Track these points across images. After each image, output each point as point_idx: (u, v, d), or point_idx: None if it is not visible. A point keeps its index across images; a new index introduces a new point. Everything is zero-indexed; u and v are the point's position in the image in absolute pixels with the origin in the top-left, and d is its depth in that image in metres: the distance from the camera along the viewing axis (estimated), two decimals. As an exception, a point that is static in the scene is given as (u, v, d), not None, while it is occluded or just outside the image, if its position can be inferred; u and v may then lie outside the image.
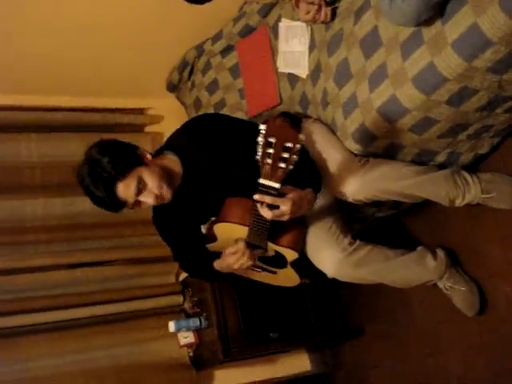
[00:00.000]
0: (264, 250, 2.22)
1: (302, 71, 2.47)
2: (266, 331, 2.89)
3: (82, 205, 3.04)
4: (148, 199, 2.03)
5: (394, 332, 2.89)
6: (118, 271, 3.11)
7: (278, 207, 1.83)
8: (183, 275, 3.25)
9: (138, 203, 2.06)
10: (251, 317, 2.90)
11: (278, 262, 2.30)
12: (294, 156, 1.55)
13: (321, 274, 2.26)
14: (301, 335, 2.99)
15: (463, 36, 1.71)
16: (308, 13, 2.26)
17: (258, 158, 1.58)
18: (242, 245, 2.17)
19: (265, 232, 2.04)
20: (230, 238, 2.24)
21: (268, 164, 1.59)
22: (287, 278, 2.43)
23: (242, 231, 2.14)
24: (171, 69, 3.27)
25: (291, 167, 1.59)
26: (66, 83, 3.18)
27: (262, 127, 1.52)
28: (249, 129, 2.31)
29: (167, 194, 2.07)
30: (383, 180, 2.13)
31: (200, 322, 2.93)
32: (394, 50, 1.95)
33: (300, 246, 2.22)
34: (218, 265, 2.31)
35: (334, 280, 2.28)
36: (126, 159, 2.02)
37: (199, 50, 3.07)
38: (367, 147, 2.16)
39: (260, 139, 1.54)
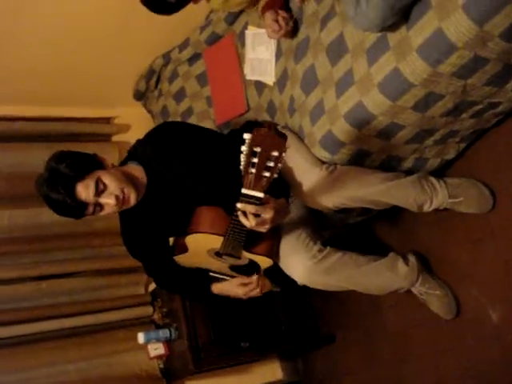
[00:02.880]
0: (237, 258, 2.21)
1: (269, 78, 2.46)
2: (236, 340, 2.86)
3: (49, 215, 2.96)
4: (109, 200, 2.00)
5: (366, 338, 2.89)
6: (86, 283, 3.06)
7: (259, 216, 1.83)
8: (152, 286, 3.20)
9: (99, 207, 2.02)
10: (222, 326, 2.88)
11: (250, 270, 2.29)
12: (279, 165, 1.54)
13: (292, 282, 2.26)
14: (272, 344, 2.97)
15: (428, 41, 1.72)
16: (274, 31, 2.24)
17: (241, 167, 1.56)
18: (255, 277, 2.28)
19: (241, 241, 2.04)
20: (202, 249, 2.23)
21: (251, 173, 1.57)
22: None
23: (215, 241, 2.13)
24: (138, 77, 3.23)
25: (276, 176, 1.58)
26: (30, 92, 3.12)
27: (247, 136, 1.49)
28: (212, 137, 2.31)
29: (131, 196, 2.04)
30: (351, 187, 2.13)
31: (170, 332, 2.89)
32: (359, 56, 1.95)
33: (274, 254, 2.22)
34: (219, 289, 2.32)
35: (304, 288, 2.28)
36: (85, 163, 2.01)
37: (166, 58, 3.04)
38: (335, 154, 2.15)
39: (244, 148, 1.51)
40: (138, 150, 2.19)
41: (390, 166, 2.25)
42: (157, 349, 2.92)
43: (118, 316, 3.04)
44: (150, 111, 3.30)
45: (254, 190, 1.65)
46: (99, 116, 3.37)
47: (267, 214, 1.85)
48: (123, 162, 2.22)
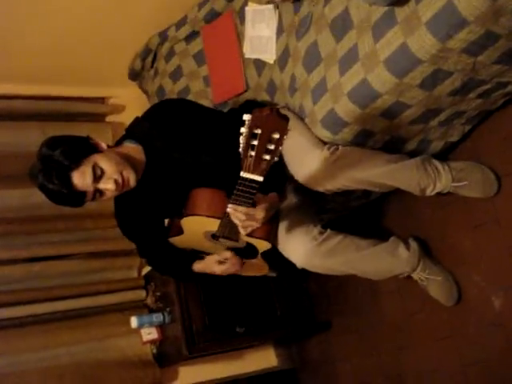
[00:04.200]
0: (235, 241, 2.16)
1: (270, 56, 2.39)
2: (231, 326, 2.81)
3: (41, 196, 2.90)
4: (108, 185, 1.93)
5: (363, 325, 2.84)
6: (79, 265, 3.00)
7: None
8: (146, 269, 3.14)
9: (99, 193, 1.96)
10: (216, 311, 2.82)
11: (248, 252, 2.24)
12: (280, 148, 1.48)
13: (289, 267, 2.21)
14: (267, 329, 2.91)
15: (438, 15, 1.65)
16: None
17: (240, 150, 1.50)
18: (229, 254, 2.21)
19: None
20: (198, 231, 2.17)
21: (251, 156, 1.51)
22: (256, 268, 2.39)
23: (212, 224, 2.08)
24: (133, 56, 3.15)
25: (276, 159, 1.52)
26: (24, 70, 3.04)
27: (247, 117, 1.43)
28: (214, 115, 2.25)
29: (130, 178, 1.98)
30: (353, 168, 2.07)
31: (163, 317, 2.84)
32: (365, 31, 1.88)
33: (272, 237, 2.16)
34: (199, 269, 2.26)
35: (300, 273, 2.23)
36: (79, 148, 1.93)
37: (162, 36, 2.96)
38: (337, 134, 2.09)
39: (244, 130, 1.45)
40: (137, 128, 2.12)
41: (393, 147, 2.19)
42: (150, 333, 2.87)
43: (111, 299, 2.98)
44: (145, 91, 3.23)
45: (253, 173, 1.59)
46: (94, 96, 3.29)
47: (258, 215, 1.88)
48: (119, 141, 2.15)
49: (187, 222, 2.13)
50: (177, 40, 2.88)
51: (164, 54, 2.98)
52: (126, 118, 3.18)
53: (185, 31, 2.82)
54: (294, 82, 2.23)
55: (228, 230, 2.08)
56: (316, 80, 2.11)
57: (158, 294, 2.93)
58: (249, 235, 2.06)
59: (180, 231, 2.21)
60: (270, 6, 2.34)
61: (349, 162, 2.06)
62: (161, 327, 2.89)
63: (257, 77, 2.51)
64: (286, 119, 1.45)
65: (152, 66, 3.11)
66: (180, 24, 2.84)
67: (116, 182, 1.94)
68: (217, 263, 2.23)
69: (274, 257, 2.28)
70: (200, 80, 2.79)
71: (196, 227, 2.15)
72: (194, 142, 2.05)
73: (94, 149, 1.97)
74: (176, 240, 2.27)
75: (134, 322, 2.81)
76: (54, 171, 1.86)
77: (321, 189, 2.12)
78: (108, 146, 2.04)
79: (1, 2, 2.65)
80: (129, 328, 2.87)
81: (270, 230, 2.13)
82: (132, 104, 3.34)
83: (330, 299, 3.05)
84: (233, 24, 2.58)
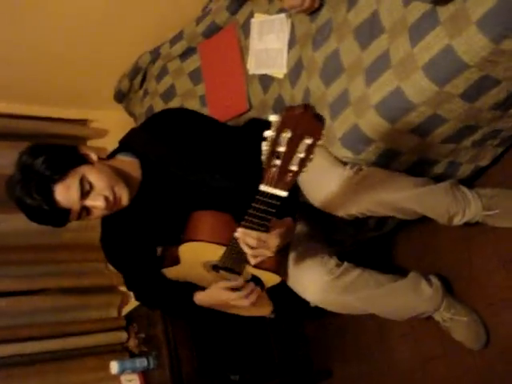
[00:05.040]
0: (238, 274, 1.89)
1: (279, 70, 2.17)
2: (225, 373, 2.50)
3: (12, 223, 2.63)
4: (97, 202, 1.66)
5: (369, 373, 2.56)
6: (51, 302, 2.66)
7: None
8: (127, 309, 2.83)
9: (86, 211, 1.69)
10: (208, 355, 2.51)
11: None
12: (311, 156, 1.23)
13: (289, 307, 1.97)
14: (264, 378, 2.60)
15: (491, 12, 1.45)
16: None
17: (263, 158, 1.24)
18: (242, 281, 1.91)
19: (245, 255, 1.69)
20: (197, 261, 1.90)
21: (275, 166, 1.25)
22: (257, 306, 2.08)
23: (214, 252, 1.81)
24: (120, 76, 2.91)
25: (304, 170, 1.26)
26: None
27: (274, 118, 1.19)
28: (220, 128, 2.00)
29: (122, 195, 1.71)
30: (379, 191, 1.83)
31: (148, 362, 2.52)
32: (399, 35, 1.68)
33: (283, 270, 1.90)
34: (201, 300, 1.97)
35: (297, 315, 1.98)
36: (65, 158, 1.67)
37: (154, 54, 2.73)
38: (359, 154, 1.87)
39: (270, 133, 1.20)
40: (133, 139, 1.86)
41: (419, 170, 1.97)
42: (131, 380, 2.54)
43: (87, 342, 2.64)
44: (131, 114, 2.98)
45: (276, 187, 1.33)
46: (75, 117, 3.03)
47: (272, 242, 1.61)
48: (112, 154, 1.88)
49: (185, 250, 1.86)
50: (170, 57, 2.66)
51: (155, 73, 2.75)
52: (109, 142, 2.96)
53: (180, 48, 2.60)
54: (307, 97, 2.02)
55: (233, 259, 1.81)
56: (336, 93, 1.90)
57: (142, 335, 2.61)
58: (256, 266, 1.80)
59: (176, 261, 1.93)
60: (282, 16, 2.14)
61: (374, 184, 1.83)
62: (143, 374, 2.56)
63: (262, 94, 2.28)
64: (321, 120, 1.21)
65: (141, 87, 2.87)
66: (175, 40, 2.62)
67: (106, 199, 1.67)
68: (226, 290, 1.92)
69: (280, 294, 2.01)
70: (196, 99, 2.56)
71: (195, 256, 1.88)
72: (198, 158, 1.80)
73: (83, 159, 1.70)
74: (170, 271, 1.99)
75: (114, 367, 2.47)
76: (33, 183, 1.59)
77: (342, 213, 1.88)
78: (99, 158, 1.77)
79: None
80: (107, 374, 2.53)
81: (279, 261, 1.88)
82: (116, 128, 3.05)
83: (329, 344, 2.77)
84: (236, 38, 2.37)
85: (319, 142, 1.22)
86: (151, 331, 2.54)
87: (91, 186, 1.66)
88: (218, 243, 1.78)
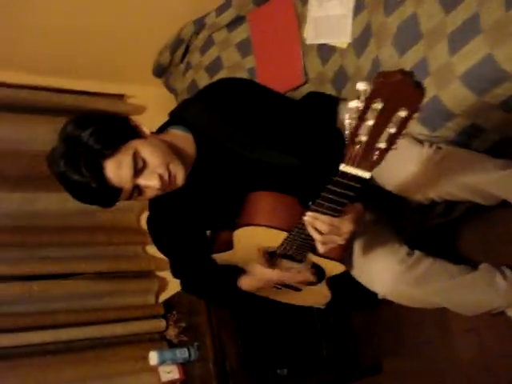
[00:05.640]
0: (299, 261, 1.71)
1: (342, 39, 1.98)
2: (272, 367, 2.32)
3: (46, 203, 2.50)
4: (151, 181, 1.48)
5: (426, 371, 2.37)
6: (86, 287, 2.49)
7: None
8: (165, 295, 2.66)
9: (138, 191, 1.51)
10: (255, 348, 2.33)
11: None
12: (404, 132, 1.04)
13: (341, 299, 1.82)
14: (312, 372, 2.42)
15: None
16: None
17: (347, 132, 1.06)
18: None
19: (311, 241, 1.52)
20: (253, 247, 1.72)
21: (360, 143, 1.07)
22: (314, 295, 1.93)
23: (273, 238, 1.63)
24: (161, 48, 2.73)
25: (394, 148, 1.07)
26: (33, 58, 2.63)
27: (363, 86, 1.00)
28: (286, 102, 1.80)
29: (178, 174, 1.53)
30: (461, 172, 1.63)
31: (189, 353, 2.35)
32: (492, -3, 1.48)
33: (347, 258, 1.73)
34: (248, 284, 1.80)
35: (344, 306, 1.81)
36: (116, 130, 1.47)
37: (198, 24, 2.55)
38: (435, 130, 1.68)
39: (355, 104, 1.01)
40: (186, 111, 1.68)
41: (500, 150, 1.77)
42: (170, 372, 2.38)
43: (123, 329, 2.47)
44: (172, 89, 2.80)
45: (358, 167, 1.14)
46: (112, 92, 2.85)
47: (345, 228, 1.42)
48: (162, 128, 1.70)
49: (241, 235, 1.68)
50: (217, 27, 2.47)
51: (199, 44, 2.56)
52: (147, 120, 2.77)
53: (228, 16, 2.41)
54: (377, 67, 1.82)
55: (295, 246, 1.63)
56: (412, 62, 1.71)
57: (182, 325, 2.43)
58: (320, 254, 1.62)
59: (229, 246, 1.75)
60: (347, -22, 1.95)
61: (455, 165, 1.64)
62: (183, 365, 2.40)
63: (320, 66, 2.10)
64: (421, 89, 1.02)
65: (183, 60, 2.69)
66: (222, 8, 2.44)
67: (161, 177, 1.49)
68: (276, 271, 1.74)
69: (338, 283, 1.84)
70: (244, 72, 2.38)
71: (251, 242, 1.70)
72: (259, 133, 1.61)
73: (135, 133, 1.52)
74: (221, 257, 1.82)
75: (153, 357, 2.31)
76: (81, 157, 1.41)
77: (419, 197, 1.69)
78: (151, 134, 1.59)
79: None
80: (144, 365, 2.37)
81: (344, 249, 1.69)
82: (154, 104, 2.90)
83: (380, 338, 2.58)
84: (292, 5, 2.18)
85: (415, 115, 1.03)
86: (193, 320, 2.37)
87: (144, 163, 1.48)
88: (279, 228, 1.60)
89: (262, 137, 1.60)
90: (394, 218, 1.92)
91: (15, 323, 2.30)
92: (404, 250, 1.72)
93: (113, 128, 1.47)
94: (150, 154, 1.48)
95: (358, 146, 1.09)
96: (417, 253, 1.74)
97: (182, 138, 1.64)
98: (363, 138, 1.07)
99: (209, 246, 1.84)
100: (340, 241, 1.46)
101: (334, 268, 1.72)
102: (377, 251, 1.71)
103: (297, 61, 2.16)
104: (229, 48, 2.44)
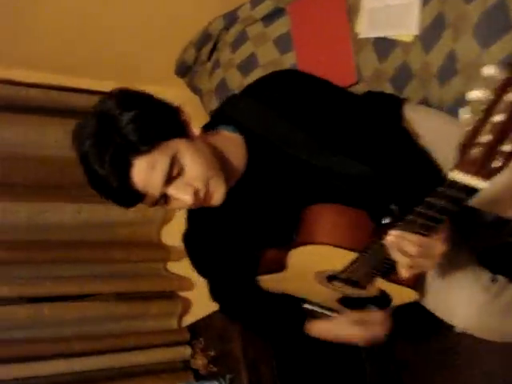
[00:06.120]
0: (362, 288, 1.46)
1: (407, 32, 1.73)
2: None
3: (58, 214, 2.22)
4: (183, 195, 1.22)
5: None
6: (102, 310, 2.23)
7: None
8: (188, 319, 2.40)
9: (165, 199, 1.25)
10: (293, 378, 2.07)
11: (372, 304, 1.53)
12: None
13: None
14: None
15: None
16: None
17: (466, 132, 0.82)
18: (380, 314, 1.51)
19: (385, 265, 1.30)
20: (310, 269, 1.46)
21: (480, 145, 0.83)
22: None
23: (338, 259, 1.37)
24: (185, 45, 2.48)
25: None
26: (45, 56, 2.37)
27: (493, 71, 0.77)
28: (353, 99, 1.54)
29: (216, 194, 1.28)
30: None
31: (221, 386, 2.09)
32: None
33: (420, 285, 1.48)
34: (318, 330, 1.56)
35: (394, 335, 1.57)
36: (160, 122, 1.22)
37: (229, 18, 2.30)
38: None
39: (478, 95, 0.78)
40: (235, 109, 1.42)
41: None
42: (197, 408, 2.12)
43: (143, 358, 2.20)
44: (196, 90, 2.54)
45: (476, 175, 0.89)
46: (129, 92, 2.60)
47: (437, 249, 1.17)
48: (209, 125, 1.44)
49: (298, 254, 1.42)
50: (251, 20, 2.22)
51: (230, 40, 2.31)
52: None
53: (265, 8, 2.16)
54: (452, 63, 1.58)
55: (364, 270, 1.37)
56: (498, 56, 1.46)
57: (211, 353, 2.17)
58: (391, 280, 1.38)
59: (279, 267, 1.49)
60: (414, -38, 1.70)
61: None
62: (212, 401, 2.14)
63: (377, 63, 1.85)
64: None
65: (209, 58, 2.43)
66: (258, 0, 2.19)
67: (196, 193, 1.23)
68: (354, 324, 1.50)
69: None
70: (283, 71, 2.13)
71: (309, 263, 1.44)
72: (328, 136, 1.35)
73: (182, 131, 1.26)
74: (270, 279, 1.56)
75: (181, 391, 2.06)
76: (110, 148, 1.16)
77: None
78: (201, 134, 1.33)
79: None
80: (169, 399, 2.11)
81: (418, 274, 1.44)
82: (177, 107, 2.64)
83: (428, 375, 2.32)
84: (341, -6, 1.94)
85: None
86: (224, 348, 2.11)
87: (181, 171, 1.22)
88: (347, 248, 1.34)
89: (329, 140, 1.34)
90: (465, 234, 1.67)
91: (23, 351, 2.04)
92: (486, 275, 1.48)
93: (158, 118, 1.22)
94: (191, 161, 1.23)
95: (476, 149, 0.84)
96: (500, 278, 1.49)
97: (231, 140, 1.39)
98: (485, 139, 0.82)
99: (255, 267, 1.58)
100: (429, 265, 1.21)
101: (405, 296, 1.46)
102: (456, 277, 1.46)
103: (348, 57, 1.92)
104: (265, 44, 2.19)
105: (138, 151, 1.16)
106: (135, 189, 1.19)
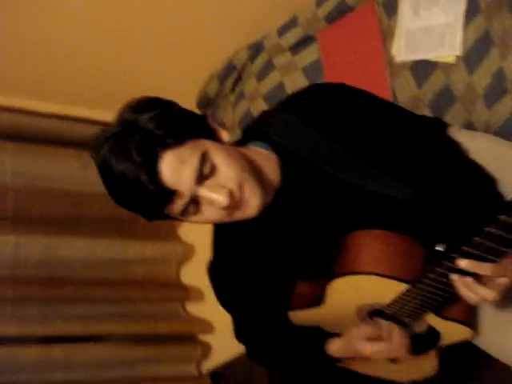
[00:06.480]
0: (408, 325, 1.31)
1: (449, 53, 1.64)
2: None
3: (71, 250, 2.10)
4: (217, 195, 1.08)
5: None
6: (116, 353, 2.08)
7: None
8: (210, 364, 2.24)
9: (195, 205, 1.12)
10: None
11: (418, 343, 1.37)
12: None
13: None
14: None
15: None
16: None
17: None
18: (397, 332, 1.32)
19: (437, 298, 1.16)
20: (350, 303, 1.32)
21: None
22: (413, 367, 1.48)
23: (385, 292, 1.23)
24: (208, 77, 2.40)
25: None
26: (61, 88, 2.30)
27: None
28: (403, 115, 1.41)
29: (253, 198, 1.14)
30: None
31: None
32: None
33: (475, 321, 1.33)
34: (337, 349, 1.36)
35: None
36: (186, 120, 1.11)
37: (255, 48, 2.23)
38: None
39: None
40: (268, 125, 1.29)
41: None
42: None
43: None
44: (220, 123, 2.45)
45: None
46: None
47: (507, 277, 1.03)
48: (241, 142, 1.33)
49: (338, 287, 1.27)
50: (279, 50, 2.14)
51: (256, 70, 2.24)
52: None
53: (293, 37, 2.08)
54: (500, 82, 1.48)
55: (413, 304, 1.23)
56: (554, 72, 1.35)
57: (235, 402, 2.02)
58: (443, 316, 1.24)
59: (317, 300, 1.35)
60: (456, -20, 1.62)
61: None
62: None
63: (415, 87, 1.75)
64: None
65: (233, 89, 2.35)
66: (286, 28, 2.11)
67: (231, 194, 1.10)
68: (365, 340, 1.33)
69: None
70: (313, 100, 2.03)
71: (349, 297, 1.29)
72: (374, 156, 1.22)
73: (210, 134, 1.14)
74: (302, 315, 1.41)
75: None
76: (134, 140, 1.05)
77: None
78: (230, 144, 1.22)
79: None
80: None
81: (471, 309, 1.30)
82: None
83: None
84: (376, 18, 1.86)
85: None
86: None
87: (213, 170, 1.10)
88: (397, 278, 1.20)
89: (375, 161, 1.21)
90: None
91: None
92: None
93: (183, 117, 1.11)
94: (223, 160, 1.10)
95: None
96: None
97: (264, 156, 1.26)
98: None
99: (286, 299, 1.44)
100: (494, 296, 1.07)
101: (458, 334, 1.31)
102: (515, 312, 1.31)
103: (383, 83, 1.83)
104: (294, 72, 2.10)
105: (166, 144, 1.04)
106: (165, 185, 1.06)
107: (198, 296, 2.27)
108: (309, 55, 2.08)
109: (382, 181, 1.21)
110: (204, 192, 1.09)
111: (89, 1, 2.06)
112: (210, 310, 2.24)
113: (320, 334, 1.43)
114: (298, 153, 1.23)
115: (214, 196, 1.08)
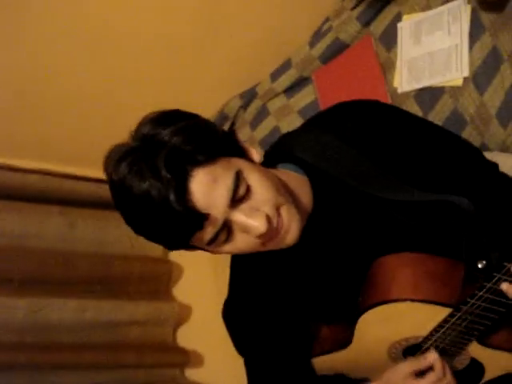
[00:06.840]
0: (451, 356, 1.16)
1: (456, 75, 1.58)
2: None
3: (59, 312, 1.94)
4: (254, 220, 0.94)
5: None
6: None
7: None
8: None
9: (227, 233, 0.97)
10: None
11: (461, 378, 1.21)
12: None
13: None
14: None
15: None
16: None
17: None
18: (438, 361, 1.15)
19: (483, 323, 1.04)
20: (382, 341, 1.16)
21: None
22: None
23: (424, 321, 1.09)
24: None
25: None
26: (46, 144, 2.19)
27: None
28: (444, 136, 1.29)
29: (292, 224, 1.00)
30: None
31: None
32: None
33: None
34: None
35: None
36: (215, 137, 0.97)
37: (247, 96, 2.18)
38: None
39: None
40: (297, 145, 1.16)
41: None
42: None
43: None
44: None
45: None
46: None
47: None
48: (268, 162, 1.20)
49: (368, 321, 1.11)
50: (272, 94, 2.10)
51: (249, 118, 2.18)
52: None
53: (287, 79, 2.05)
54: (512, 100, 1.41)
55: (455, 334, 1.09)
56: None
57: None
58: (488, 345, 1.10)
59: (343, 342, 1.19)
60: (457, 2, 1.58)
61: None
62: None
63: (420, 115, 1.68)
64: None
65: (227, 139, 2.28)
66: (278, 72, 2.08)
67: (269, 219, 0.97)
68: (413, 376, 1.16)
69: None
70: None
71: (381, 331, 1.12)
72: (417, 176, 1.10)
73: (241, 152, 1.02)
74: (329, 360, 1.25)
75: None
76: (160, 154, 0.90)
77: None
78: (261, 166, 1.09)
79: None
80: None
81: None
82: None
83: None
84: (373, 52, 1.82)
85: None
86: None
87: (248, 192, 0.96)
88: (438, 302, 1.06)
89: (412, 177, 1.10)
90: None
91: None
92: None
93: (211, 132, 0.97)
94: (258, 181, 0.97)
95: None
96: None
97: (296, 179, 1.13)
98: None
99: (309, 346, 1.28)
100: None
101: (504, 365, 1.17)
102: None
103: (386, 115, 1.76)
104: (289, 116, 2.05)
105: (196, 161, 0.91)
106: (195, 207, 0.93)
107: (198, 360, 2.09)
108: (305, 97, 2.03)
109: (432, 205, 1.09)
110: (239, 217, 0.95)
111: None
112: (211, 376, 2.07)
113: (346, 383, 1.27)
114: (331, 172, 1.11)
115: (251, 221, 0.94)
